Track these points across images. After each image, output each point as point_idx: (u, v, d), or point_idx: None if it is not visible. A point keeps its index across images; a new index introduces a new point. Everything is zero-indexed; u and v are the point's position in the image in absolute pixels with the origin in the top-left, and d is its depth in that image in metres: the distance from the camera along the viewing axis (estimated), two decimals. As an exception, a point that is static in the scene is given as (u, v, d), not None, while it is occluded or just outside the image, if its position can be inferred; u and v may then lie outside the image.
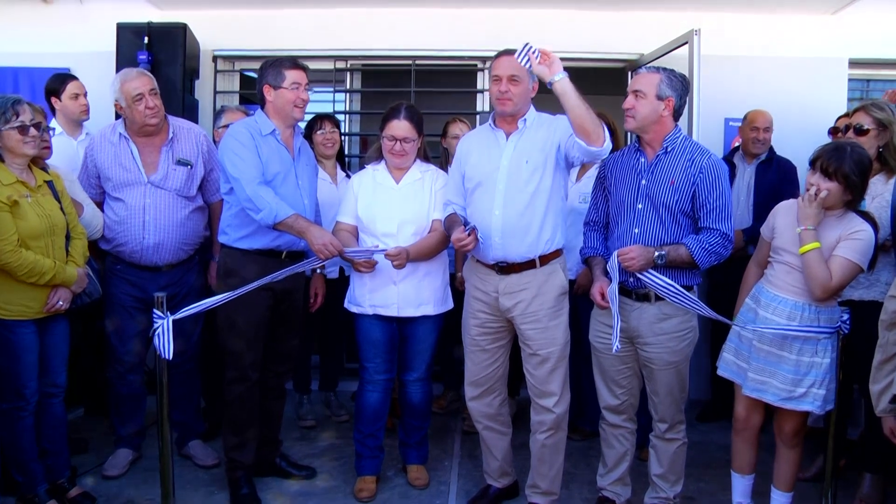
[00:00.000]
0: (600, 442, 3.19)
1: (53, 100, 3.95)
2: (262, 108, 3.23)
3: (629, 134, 4.91)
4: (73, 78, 4.03)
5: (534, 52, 2.68)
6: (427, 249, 3.22)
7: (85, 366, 3.89)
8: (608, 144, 2.79)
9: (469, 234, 2.89)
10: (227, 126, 3.50)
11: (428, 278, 3.29)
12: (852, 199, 2.75)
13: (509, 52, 2.84)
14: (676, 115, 2.89)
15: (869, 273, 3.06)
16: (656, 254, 2.78)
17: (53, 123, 3.98)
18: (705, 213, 2.81)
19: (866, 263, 2.73)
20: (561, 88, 2.67)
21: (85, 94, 4.00)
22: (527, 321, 2.99)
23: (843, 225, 2.74)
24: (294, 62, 3.19)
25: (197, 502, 3.27)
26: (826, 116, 4.24)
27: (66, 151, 3.80)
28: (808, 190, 2.74)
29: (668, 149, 2.87)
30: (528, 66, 2.71)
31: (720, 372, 2.99)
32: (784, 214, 2.88)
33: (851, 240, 2.69)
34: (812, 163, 2.78)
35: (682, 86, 2.86)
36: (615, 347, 2.85)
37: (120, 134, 3.46)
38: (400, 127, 3.23)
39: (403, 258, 3.10)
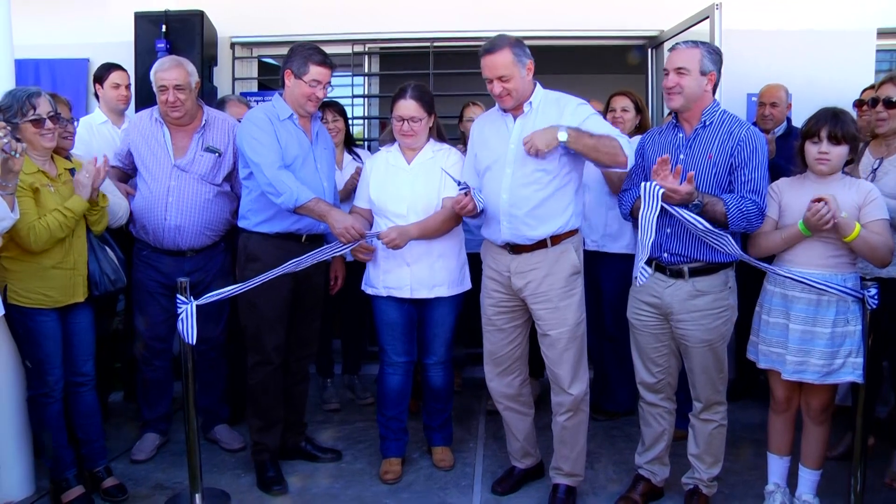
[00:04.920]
0: (638, 420, 3.17)
1: (97, 87, 4.09)
2: (282, 88, 3.24)
3: (652, 113, 4.92)
4: (118, 67, 4.10)
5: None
6: (433, 226, 3.17)
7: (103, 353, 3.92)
8: (628, 155, 2.82)
9: (466, 195, 2.92)
10: None
11: (442, 259, 3.26)
12: (851, 159, 2.77)
13: (488, 51, 2.87)
14: (715, 89, 2.86)
15: None
16: (696, 200, 2.69)
17: (97, 111, 4.13)
18: (741, 184, 2.76)
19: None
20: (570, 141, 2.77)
21: (127, 86, 4.09)
22: (538, 301, 2.98)
23: (848, 191, 2.74)
24: (323, 58, 3.16)
25: (224, 485, 3.30)
26: (853, 89, 4.12)
27: (110, 139, 3.87)
28: (818, 163, 2.72)
29: (707, 122, 2.84)
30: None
31: (760, 364, 2.90)
32: (788, 190, 2.85)
33: (872, 202, 2.72)
34: (811, 134, 2.74)
35: (720, 59, 2.84)
36: (638, 278, 2.80)
37: (155, 118, 3.50)
38: (407, 106, 3.21)
39: (395, 238, 3.06)
